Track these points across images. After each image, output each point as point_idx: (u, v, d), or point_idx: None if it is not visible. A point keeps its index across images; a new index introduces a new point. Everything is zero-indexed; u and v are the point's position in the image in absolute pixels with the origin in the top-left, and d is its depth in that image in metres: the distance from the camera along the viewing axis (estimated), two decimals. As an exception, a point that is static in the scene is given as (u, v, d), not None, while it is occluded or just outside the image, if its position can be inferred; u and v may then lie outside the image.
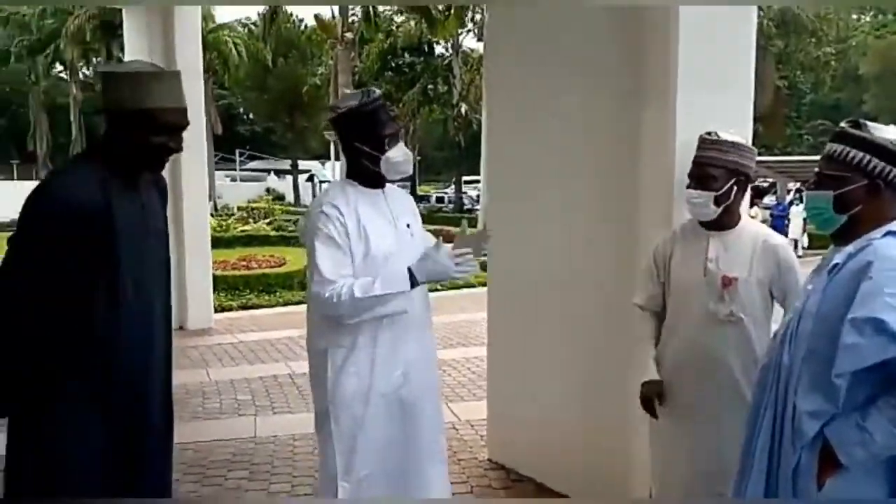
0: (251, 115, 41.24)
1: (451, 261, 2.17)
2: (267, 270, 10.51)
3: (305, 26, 32.17)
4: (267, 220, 17.97)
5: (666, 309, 2.43)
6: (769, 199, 20.14)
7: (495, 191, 3.88)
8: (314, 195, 28.13)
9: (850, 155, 1.67)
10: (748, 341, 2.24)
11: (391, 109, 2.40)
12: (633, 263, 2.73)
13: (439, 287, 8.61)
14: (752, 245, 2.27)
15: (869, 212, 1.67)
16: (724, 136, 2.28)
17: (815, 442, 1.62)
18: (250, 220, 17.70)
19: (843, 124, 1.74)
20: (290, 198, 33.53)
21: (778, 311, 2.27)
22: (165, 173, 2.09)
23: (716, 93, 2.56)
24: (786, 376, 1.71)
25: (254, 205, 23.58)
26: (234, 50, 27.03)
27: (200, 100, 6.78)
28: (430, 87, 29.71)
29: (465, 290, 9.18)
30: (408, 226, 2.38)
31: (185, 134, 1.96)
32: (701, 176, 2.27)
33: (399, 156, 2.28)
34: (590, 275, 3.10)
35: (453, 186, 34.75)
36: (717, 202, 2.25)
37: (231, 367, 5.88)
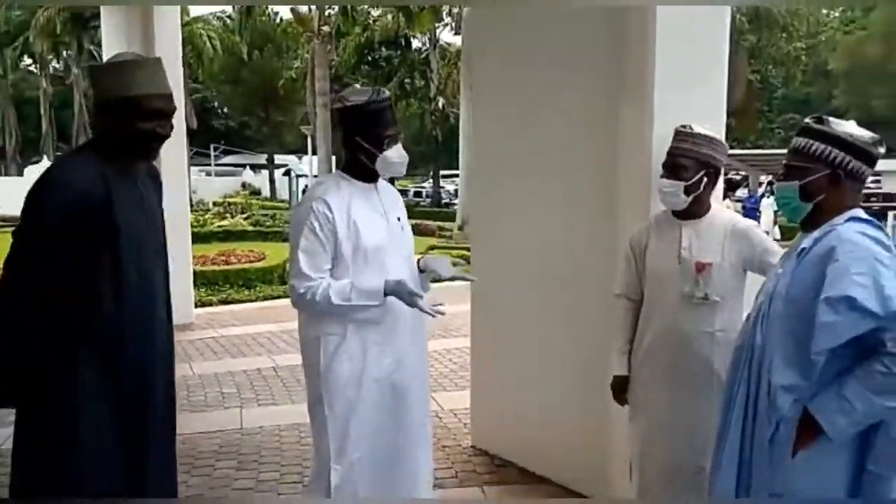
0: (226, 109, 40.67)
1: (423, 302, 2.27)
2: (246, 265, 10.49)
3: (281, 19, 31.86)
4: (244, 216, 17.88)
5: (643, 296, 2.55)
6: (741, 192, 20.52)
7: (474, 185, 3.94)
8: (291, 190, 27.98)
9: (814, 147, 1.81)
10: (722, 321, 2.35)
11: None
12: (612, 256, 2.82)
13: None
14: (722, 231, 2.39)
15: (832, 200, 1.81)
16: (699, 129, 2.39)
17: (792, 415, 1.74)
18: (227, 216, 17.60)
19: (807, 120, 1.89)
20: (266, 192, 33.30)
21: (750, 293, 2.38)
22: None
23: (691, 90, 2.67)
24: (759, 356, 1.84)
25: (230, 200, 23.38)
26: (208, 43, 26.56)
27: (181, 92, 6.76)
28: (407, 81, 29.71)
29: (445, 284, 9.20)
30: (398, 219, 2.46)
31: None
32: (674, 166, 2.38)
33: (396, 157, 2.36)
34: (568, 267, 3.20)
35: (430, 181, 34.74)
36: (686, 192, 2.36)
37: (214, 360, 5.91)
